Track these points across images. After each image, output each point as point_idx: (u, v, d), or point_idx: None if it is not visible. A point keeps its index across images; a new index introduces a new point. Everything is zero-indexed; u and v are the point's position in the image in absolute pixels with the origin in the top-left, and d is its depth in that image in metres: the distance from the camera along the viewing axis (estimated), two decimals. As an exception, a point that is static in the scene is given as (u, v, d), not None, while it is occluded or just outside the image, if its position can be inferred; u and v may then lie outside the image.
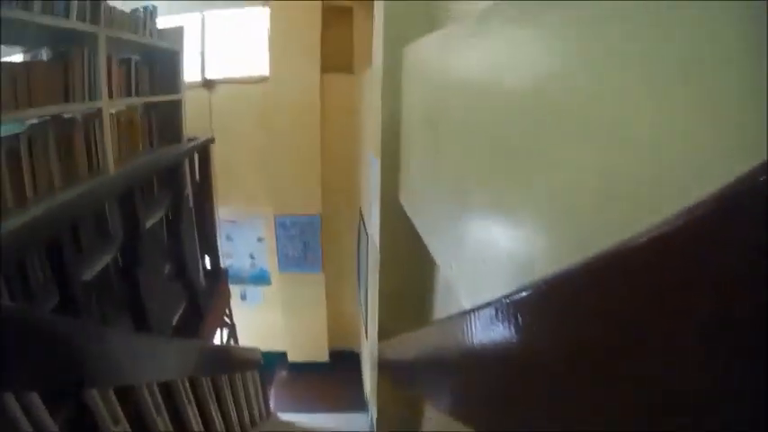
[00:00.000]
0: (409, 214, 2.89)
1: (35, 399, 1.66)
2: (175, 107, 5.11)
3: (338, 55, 7.34)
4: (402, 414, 4.01)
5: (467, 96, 1.61)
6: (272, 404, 7.27)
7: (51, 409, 1.76)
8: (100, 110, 3.60)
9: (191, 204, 4.98)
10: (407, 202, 3.05)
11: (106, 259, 3.33)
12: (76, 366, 1.87)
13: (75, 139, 3.43)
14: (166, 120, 5.00)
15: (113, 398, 2.21)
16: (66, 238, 2.72)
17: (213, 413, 4.07)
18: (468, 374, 1.16)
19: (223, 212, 7.81)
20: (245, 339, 7.36)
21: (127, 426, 2.33)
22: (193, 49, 7.54)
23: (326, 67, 7.33)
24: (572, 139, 0.86)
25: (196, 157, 5.35)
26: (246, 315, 8.22)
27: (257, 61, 7.51)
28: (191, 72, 7.26)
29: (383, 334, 3.83)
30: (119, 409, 2.26)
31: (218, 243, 6.46)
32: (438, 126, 2.07)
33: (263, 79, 7.43)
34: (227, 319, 6.69)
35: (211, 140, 5.66)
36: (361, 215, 6.36)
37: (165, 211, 4.38)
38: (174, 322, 4.26)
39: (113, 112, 3.95)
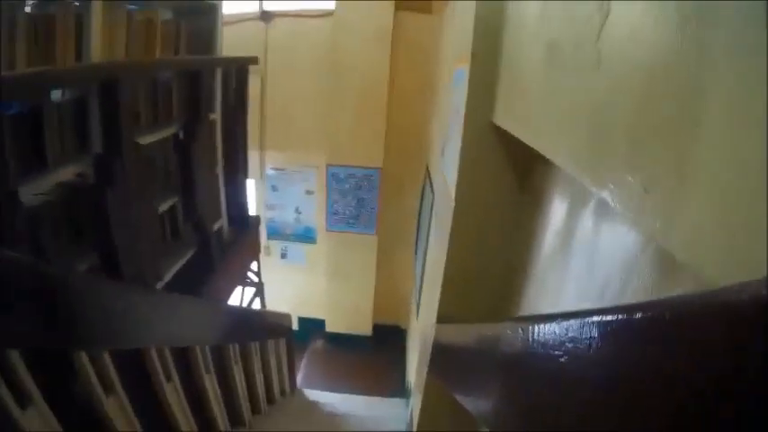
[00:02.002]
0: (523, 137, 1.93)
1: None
2: (210, 15, 4.20)
3: (415, -10, 6.35)
4: (452, 418, 3.13)
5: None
6: (300, 378, 6.71)
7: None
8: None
9: (218, 131, 4.06)
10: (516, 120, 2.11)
11: (68, 173, 2.42)
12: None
13: (57, 22, 2.66)
14: (199, 30, 4.09)
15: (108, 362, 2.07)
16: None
17: (209, 385, 3.23)
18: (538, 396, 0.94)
19: (271, 159, 7.12)
20: (281, 303, 6.64)
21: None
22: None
23: (401, 5, 6.36)
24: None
25: (233, 78, 4.41)
26: (285, 276, 7.59)
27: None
28: (248, 3, 6.66)
29: (443, 316, 2.96)
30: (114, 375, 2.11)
31: (251, 187, 5.66)
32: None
33: (327, 14, 6.53)
34: (253, 277, 5.81)
35: (253, 60, 4.72)
36: (428, 172, 5.45)
37: (176, 129, 3.46)
38: (173, 273, 3.37)
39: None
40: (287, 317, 5.54)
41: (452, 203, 2.68)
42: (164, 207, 3.31)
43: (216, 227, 4.06)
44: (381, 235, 7.10)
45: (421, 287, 5.00)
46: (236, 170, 4.51)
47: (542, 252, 2.26)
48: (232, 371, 3.75)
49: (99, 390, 2.01)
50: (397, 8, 6.31)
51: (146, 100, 3.19)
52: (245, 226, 4.69)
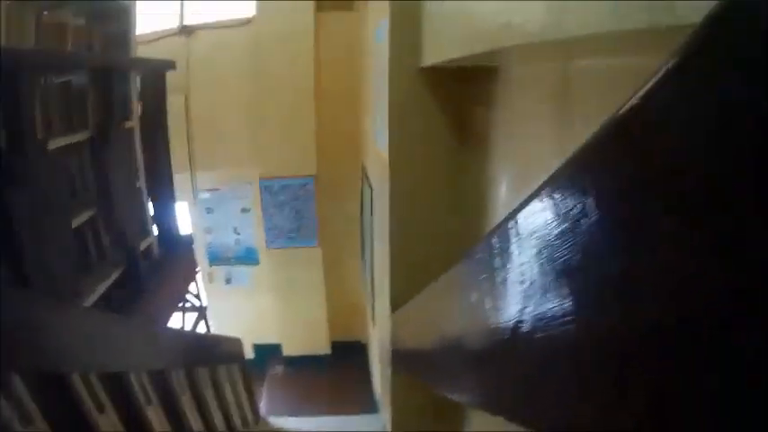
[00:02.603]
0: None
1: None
2: (123, 18, 3.89)
3: (334, -12, 6.14)
4: (426, 419, 2.87)
5: None
6: (263, 406, 6.34)
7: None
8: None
9: (136, 140, 3.73)
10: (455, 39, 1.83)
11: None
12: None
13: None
14: (112, 35, 3.80)
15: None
16: None
17: (153, 418, 2.88)
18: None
19: (203, 180, 6.73)
20: (233, 332, 6.06)
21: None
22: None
23: (322, 5, 6.14)
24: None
25: (149, 85, 4.09)
26: (233, 302, 7.16)
27: (241, 1, 6.36)
28: (167, 19, 6.43)
29: (397, 303, 2.61)
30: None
31: (185, 212, 5.39)
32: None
33: (247, 22, 6.29)
34: (194, 301, 5.42)
35: (170, 65, 4.41)
36: (364, 171, 5.19)
37: (89, 134, 3.13)
38: (98, 294, 3.00)
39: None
40: (236, 341, 5.16)
41: (387, 170, 2.40)
42: (80, 219, 2.95)
43: (144, 245, 3.70)
44: (325, 246, 6.76)
45: (373, 291, 4.73)
46: (161, 185, 4.17)
47: (496, 203, 1.99)
48: (179, 401, 3.37)
49: (16, 423, 1.72)
50: (318, 9, 6.09)
51: (58, 105, 2.90)
52: (176, 245, 4.32)
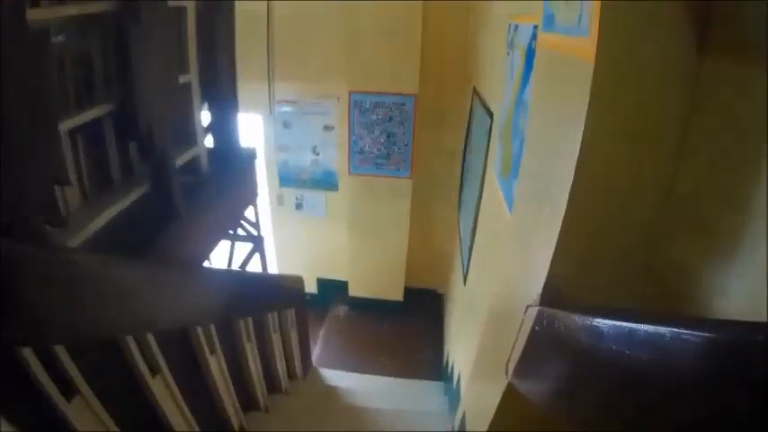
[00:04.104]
0: None
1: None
2: None
3: None
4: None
5: None
6: (317, 352, 5.77)
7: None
8: None
9: (190, 24, 2.88)
10: None
11: None
12: None
13: None
14: None
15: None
16: None
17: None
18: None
19: (282, 91, 5.86)
20: (296, 263, 5.74)
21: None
22: None
23: None
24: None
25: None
26: (301, 230, 6.53)
27: None
28: None
29: (553, 291, 1.55)
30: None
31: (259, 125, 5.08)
32: None
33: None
34: (248, 229, 4.58)
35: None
36: (477, 94, 4.26)
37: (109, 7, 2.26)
38: (106, 219, 2.21)
39: None
40: (297, 280, 4.37)
41: (589, 71, 1.31)
42: (79, 119, 2.11)
43: (187, 157, 2.89)
44: (417, 178, 5.83)
45: (472, 243, 3.87)
46: (219, 84, 3.30)
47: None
48: (206, 361, 2.60)
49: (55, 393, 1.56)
50: None
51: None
52: (233, 160, 3.49)
